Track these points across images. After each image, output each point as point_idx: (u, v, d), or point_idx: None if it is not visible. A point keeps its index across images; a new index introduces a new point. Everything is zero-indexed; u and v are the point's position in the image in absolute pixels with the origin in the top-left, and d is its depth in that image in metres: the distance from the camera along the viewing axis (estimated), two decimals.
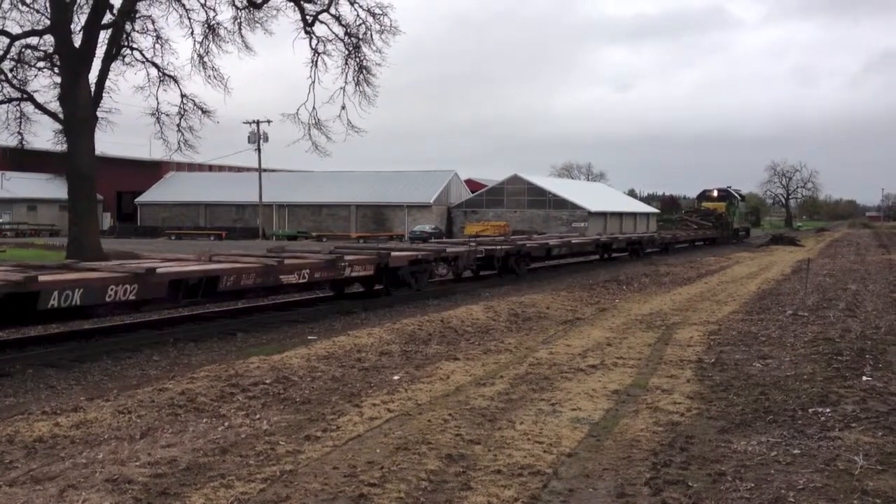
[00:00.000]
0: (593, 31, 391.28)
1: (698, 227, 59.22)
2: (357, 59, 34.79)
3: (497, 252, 25.55)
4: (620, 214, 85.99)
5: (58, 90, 32.09)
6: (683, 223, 62.23)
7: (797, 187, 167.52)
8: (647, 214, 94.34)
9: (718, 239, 59.03)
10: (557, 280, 27.04)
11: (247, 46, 35.11)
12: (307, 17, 34.39)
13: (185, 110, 36.27)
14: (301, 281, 16.62)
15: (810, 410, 8.33)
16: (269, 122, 70.73)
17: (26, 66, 34.12)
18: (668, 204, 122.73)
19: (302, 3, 34.00)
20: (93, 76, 31.82)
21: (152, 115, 36.29)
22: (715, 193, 68.12)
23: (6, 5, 32.15)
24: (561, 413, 8.36)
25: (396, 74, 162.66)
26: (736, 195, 70.37)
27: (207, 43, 35.09)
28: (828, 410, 8.31)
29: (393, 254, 19.77)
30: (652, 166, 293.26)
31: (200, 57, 35.19)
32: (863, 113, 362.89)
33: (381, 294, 20.08)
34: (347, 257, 18.08)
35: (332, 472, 6.34)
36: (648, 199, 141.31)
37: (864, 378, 9.88)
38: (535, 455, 6.84)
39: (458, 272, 24.50)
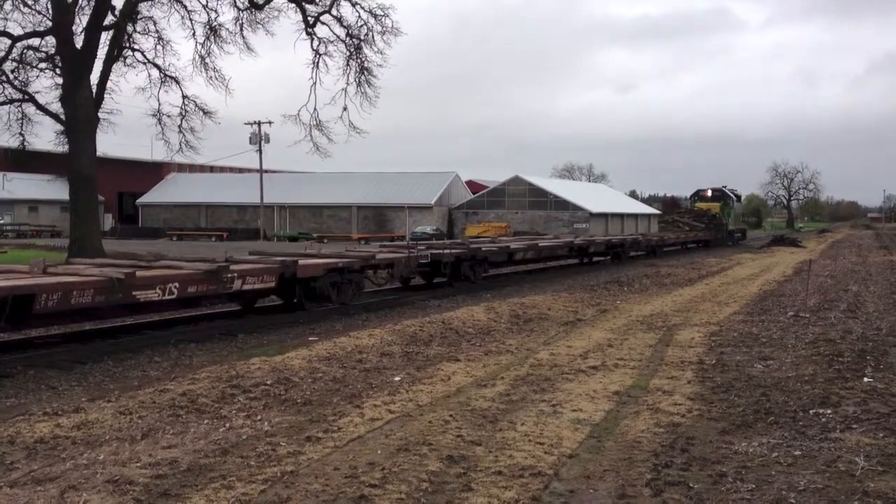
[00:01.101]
0: (596, 33, 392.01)
1: (690, 228, 56.87)
2: (358, 61, 34.84)
3: (444, 257, 22.74)
4: (622, 215, 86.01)
5: (59, 91, 32.15)
6: (675, 224, 59.98)
7: (799, 188, 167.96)
8: (649, 215, 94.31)
9: (712, 241, 56.51)
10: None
11: (248, 47, 35.21)
12: (308, 19, 34.44)
13: (186, 111, 36.36)
14: (167, 297, 13.75)
15: (811, 412, 8.33)
16: (270, 123, 70.96)
17: (28, 67, 34.20)
18: (670, 205, 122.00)
19: (303, 4, 34.05)
20: (94, 77, 31.89)
21: (154, 116, 36.40)
22: (709, 193, 65.44)
23: (8, 6, 32.23)
24: (562, 414, 8.36)
25: (398, 75, 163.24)
26: (731, 195, 67.72)
27: (209, 44, 35.19)
28: (829, 412, 8.31)
29: (301, 262, 17.14)
30: (653, 168, 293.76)
31: (202, 58, 35.27)
32: (865, 114, 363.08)
33: (296, 310, 17.66)
34: (236, 267, 15.37)
35: (332, 473, 6.35)
36: (650, 201, 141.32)
37: (866, 379, 9.88)
38: (536, 456, 6.84)
39: (404, 280, 22.75)
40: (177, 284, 13.74)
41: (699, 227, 57.21)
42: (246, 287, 15.52)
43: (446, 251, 23.10)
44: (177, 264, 15.17)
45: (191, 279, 14.09)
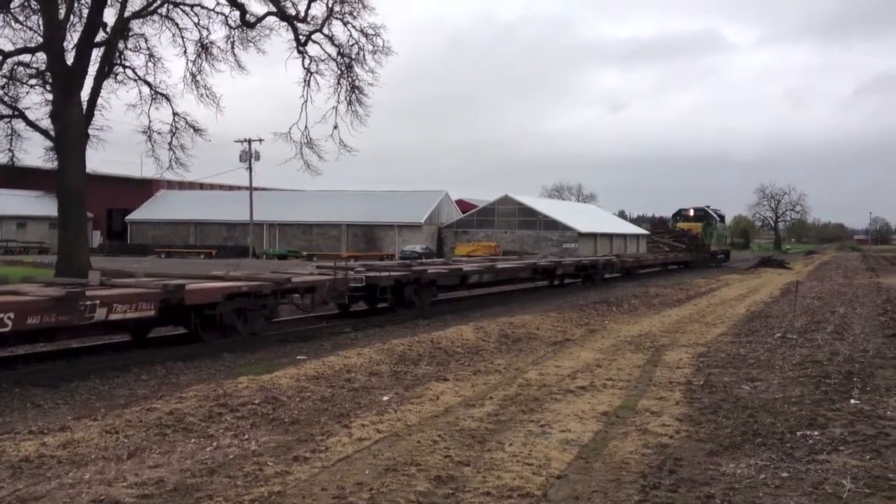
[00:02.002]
0: (588, 53, 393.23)
1: (671, 249, 55.11)
2: (349, 79, 35.00)
3: (382, 280, 20.44)
4: (610, 235, 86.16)
5: (49, 107, 32.14)
6: (655, 245, 58.28)
7: (786, 210, 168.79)
8: (637, 236, 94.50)
9: (693, 262, 54.74)
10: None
11: (240, 65, 35.32)
12: (300, 37, 34.57)
13: (176, 128, 36.36)
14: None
15: (798, 433, 8.35)
16: (260, 140, 70.63)
17: (18, 84, 34.18)
18: (658, 225, 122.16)
19: (295, 22, 34.18)
20: (85, 94, 31.92)
21: (144, 133, 36.38)
22: (691, 213, 63.54)
23: None
24: (550, 435, 8.36)
25: (389, 94, 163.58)
26: (714, 215, 65.52)
27: (200, 62, 35.26)
28: (816, 433, 8.33)
29: (190, 287, 14.76)
30: (643, 188, 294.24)
31: (193, 75, 35.34)
32: (853, 136, 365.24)
33: (195, 341, 15.57)
34: (99, 293, 13.20)
35: (320, 494, 6.32)
36: (638, 221, 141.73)
37: (852, 401, 9.91)
38: (524, 477, 6.83)
39: (342, 305, 21.02)
40: (11, 315, 11.38)
41: (680, 247, 55.69)
42: (114, 317, 13.09)
43: (383, 274, 20.82)
44: (23, 289, 13.33)
45: (32, 308, 11.80)
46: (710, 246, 60.69)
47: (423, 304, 22.42)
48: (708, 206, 66.04)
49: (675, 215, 66.07)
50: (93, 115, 32.44)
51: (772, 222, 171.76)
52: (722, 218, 70.35)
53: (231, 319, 15.75)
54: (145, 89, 35.61)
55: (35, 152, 36.97)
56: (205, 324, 15.47)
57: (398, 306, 21.68)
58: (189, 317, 15.26)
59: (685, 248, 55.56)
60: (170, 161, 36.78)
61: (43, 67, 32.86)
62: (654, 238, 62.17)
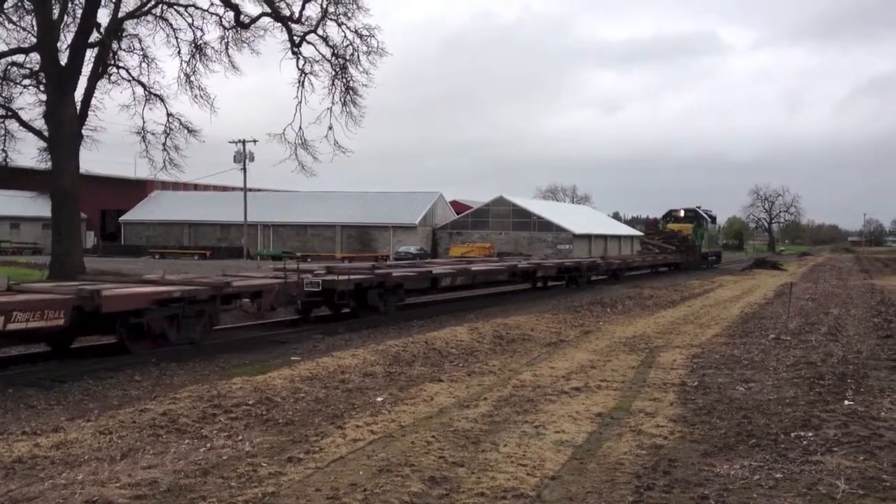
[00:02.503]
0: (585, 55, 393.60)
1: (660, 250, 53.28)
2: (344, 80, 35.01)
3: (340, 284, 18.84)
4: (605, 237, 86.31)
5: (43, 108, 32.09)
6: (645, 246, 56.32)
7: (780, 212, 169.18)
8: (632, 237, 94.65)
9: (683, 264, 53.16)
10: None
11: (234, 66, 35.36)
12: (294, 38, 34.57)
13: (170, 129, 36.35)
14: None
15: (792, 434, 8.35)
16: (255, 141, 70.45)
17: (12, 84, 34.17)
18: (651, 226, 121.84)
19: (289, 23, 34.17)
20: (78, 94, 31.88)
21: (138, 133, 36.36)
22: (681, 214, 61.25)
23: None
24: (544, 435, 8.36)
25: (384, 95, 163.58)
26: (705, 216, 63.23)
27: (194, 62, 35.27)
28: (810, 434, 8.34)
29: (110, 293, 13.29)
30: (637, 189, 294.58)
31: (187, 76, 35.34)
32: (847, 139, 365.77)
33: (122, 352, 14.19)
34: None
35: (314, 495, 6.31)
36: (633, 222, 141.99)
37: (846, 402, 9.92)
38: (518, 478, 6.82)
39: (302, 311, 20.03)
40: None
41: (669, 249, 53.76)
42: (14, 327, 11.66)
43: (342, 277, 19.10)
44: None
45: None
46: (701, 247, 58.77)
47: (388, 310, 20.89)
48: (699, 207, 63.90)
49: (665, 216, 63.70)
50: (86, 115, 32.41)
51: (766, 224, 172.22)
52: (713, 219, 68.31)
53: (162, 328, 14.35)
54: (139, 90, 35.64)
55: (29, 153, 37.02)
56: (132, 333, 14.01)
57: (361, 312, 20.27)
58: (113, 325, 13.90)
59: (675, 249, 53.71)
60: (164, 162, 36.81)
61: (37, 68, 32.84)
62: (644, 240, 59.78)
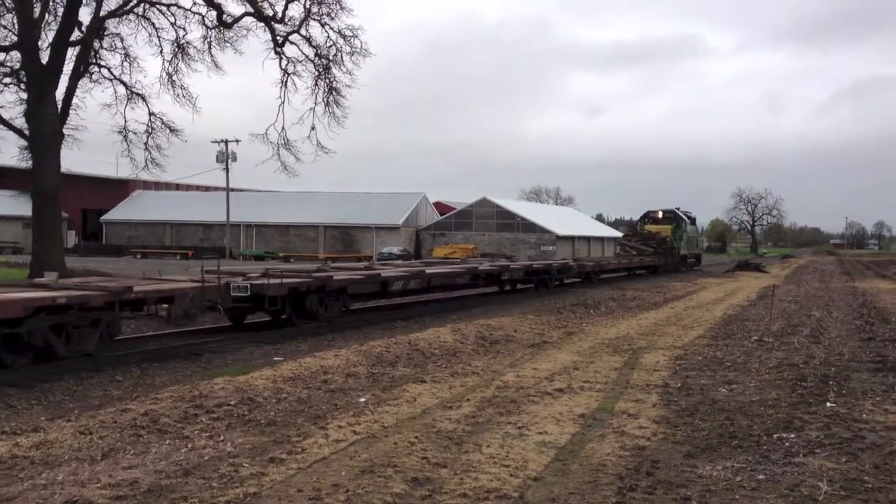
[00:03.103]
0: (568, 57, 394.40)
1: (637, 252, 52.08)
2: (327, 81, 34.91)
3: (270, 289, 16.99)
4: (588, 238, 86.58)
5: (24, 106, 31.81)
6: (623, 249, 55.13)
7: (762, 214, 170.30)
8: (615, 239, 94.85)
9: (661, 267, 51.69)
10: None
11: (216, 66, 35.13)
12: (277, 38, 34.44)
13: (152, 129, 36.12)
14: None
15: (775, 436, 8.38)
16: (237, 141, 70.45)
17: None
18: (631, 229, 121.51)
19: (272, 23, 34.05)
20: (60, 93, 31.63)
21: (119, 132, 36.11)
22: (660, 215, 59.09)
23: None
24: (527, 436, 8.35)
25: (368, 96, 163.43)
26: (684, 217, 61.37)
27: (177, 62, 35.06)
28: (792, 436, 8.37)
29: None
30: (620, 191, 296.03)
31: (169, 75, 35.12)
32: (829, 142, 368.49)
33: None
34: None
35: (296, 495, 6.27)
36: (616, 224, 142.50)
37: (828, 404, 9.97)
38: (501, 479, 6.81)
39: (235, 317, 18.41)
40: None
41: (647, 251, 52.38)
42: None
43: (274, 281, 17.24)
44: None
45: None
46: (680, 249, 57.10)
47: (330, 317, 19.22)
48: (678, 208, 62.05)
49: (642, 217, 61.59)
50: (68, 114, 32.18)
51: (748, 226, 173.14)
52: (693, 220, 66.10)
53: (46, 339, 12.75)
54: (121, 89, 35.39)
55: (9, 152, 36.69)
56: (7, 344, 12.46)
57: (299, 318, 18.50)
58: None
59: (653, 251, 52.44)
60: (146, 161, 36.55)
61: (17, 66, 32.54)
62: (621, 241, 58.43)
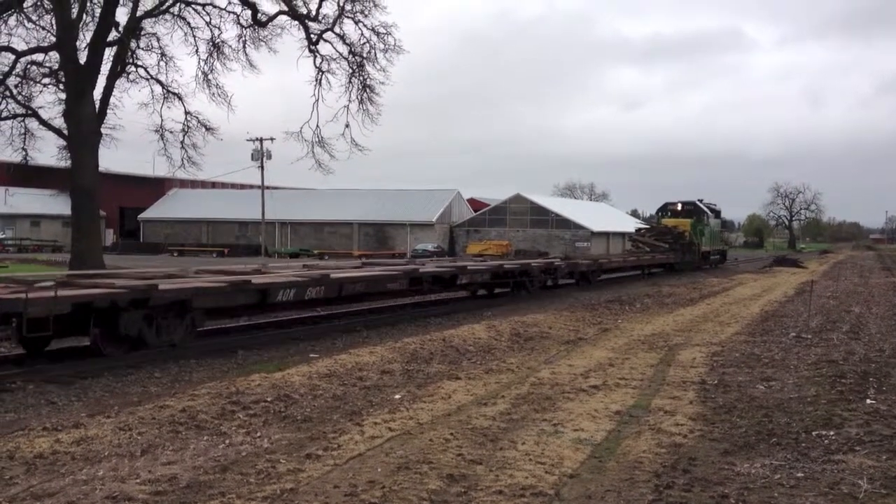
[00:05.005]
0: (606, 51, 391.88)
1: (651, 248, 47.25)
2: (361, 78, 35.07)
3: (57, 305, 12.27)
4: (622, 234, 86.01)
5: (62, 106, 32.34)
6: (635, 244, 50.01)
7: (800, 209, 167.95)
8: None
9: (678, 264, 46.99)
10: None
11: (251, 64, 35.45)
12: (312, 36, 34.64)
13: (188, 127, 36.53)
14: None
15: (814, 433, 8.29)
16: (272, 139, 70.76)
17: (31, 83, 34.44)
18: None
19: (306, 21, 34.25)
20: (97, 93, 32.10)
21: (156, 131, 36.57)
22: (679, 207, 54.00)
23: (12, 22, 32.49)
24: (563, 433, 8.32)
25: (402, 93, 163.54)
26: (706, 210, 56.18)
27: (212, 61, 35.42)
28: (831, 433, 8.27)
29: None
30: (656, 186, 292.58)
31: (205, 74, 35.49)
32: (870, 135, 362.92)
33: None
34: None
35: (332, 491, 6.30)
36: (650, 220, 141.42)
37: (868, 401, 9.84)
38: (536, 476, 6.80)
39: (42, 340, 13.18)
40: None
41: (661, 247, 47.29)
42: None
43: (65, 294, 12.73)
44: None
45: None
46: (701, 245, 51.64)
47: (163, 343, 14.26)
48: (700, 200, 56.95)
49: (660, 210, 56.24)
50: (105, 113, 32.61)
51: (786, 221, 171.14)
52: (717, 213, 60.16)
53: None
54: (157, 88, 35.83)
55: (48, 151, 37.27)
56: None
57: (112, 346, 13.61)
58: None
59: (668, 247, 47.19)
60: (182, 160, 37.01)
61: (56, 66, 33.06)
62: (633, 237, 52.26)
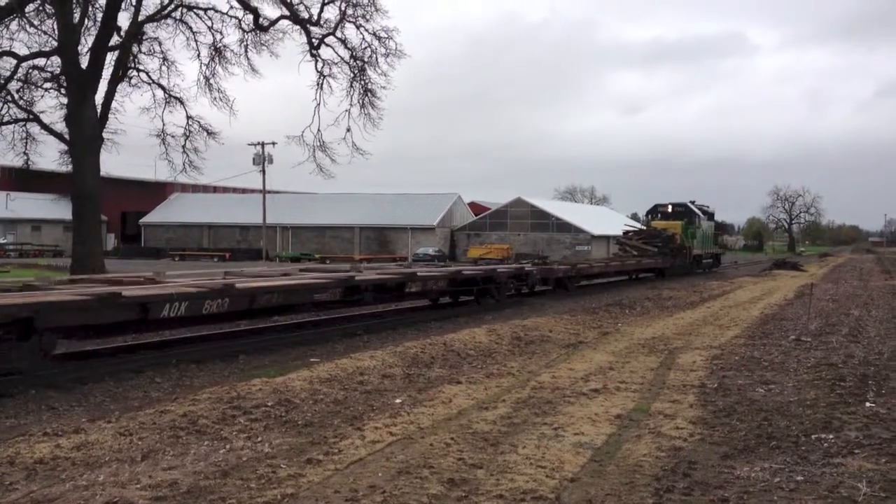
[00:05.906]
0: (608, 55, 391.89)
1: (638, 252, 45.09)
2: (362, 82, 35.14)
3: None
4: None
5: (64, 111, 32.40)
6: (622, 248, 48.08)
7: (800, 212, 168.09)
8: None
9: (668, 269, 44.80)
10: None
11: (253, 69, 35.52)
12: (313, 41, 34.71)
13: (190, 132, 36.62)
14: None
15: (813, 436, 8.30)
16: (273, 143, 70.93)
17: (33, 87, 34.51)
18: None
19: (308, 26, 34.31)
20: (99, 97, 32.15)
21: (158, 136, 36.66)
22: (669, 209, 51.79)
23: (14, 27, 32.54)
24: (563, 437, 8.34)
25: (403, 96, 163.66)
26: (698, 212, 53.59)
27: (214, 65, 35.50)
28: (831, 437, 8.28)
29: None
30: (656, 190, 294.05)
31: (207, 79, 35.57)
32: (870, 139, 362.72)
33: None
34: None
35: (333, 496, 6.32)
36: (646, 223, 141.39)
37: (868, 404, 9.85)
38: (537, 480, 6.81)
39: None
40: None
41: (650, 251, 45.06)
42: None
43: None
44: None
45: None
46: (692, 249, 49.47)
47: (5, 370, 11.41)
48: (692, 202, 54.44)
49: (649, 212, 54.06)
50: (107, 118, 32.66)
51: (786, 224, 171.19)
52: (710, 215, 57.99)
53: None
54: (159, 93, 35.93)
55: (50, 156, 37.40)
56: None
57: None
58: None
59: (657, 251, 45.09)
60: (183, 164, 37.11)
61: (57, 71, 33.11)
62: (620, 240, 50.06)
